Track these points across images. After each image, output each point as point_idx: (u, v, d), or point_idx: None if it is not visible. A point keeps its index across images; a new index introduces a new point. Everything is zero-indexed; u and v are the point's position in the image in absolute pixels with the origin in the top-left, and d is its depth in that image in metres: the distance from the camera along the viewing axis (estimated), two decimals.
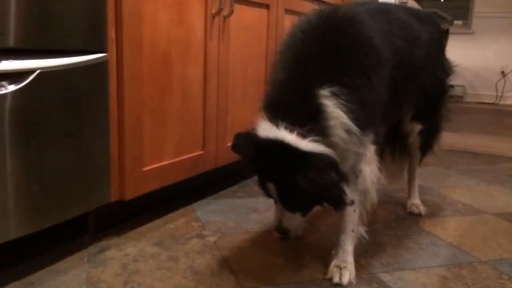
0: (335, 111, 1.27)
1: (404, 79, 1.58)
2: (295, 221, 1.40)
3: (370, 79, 1.34)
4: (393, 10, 1.74)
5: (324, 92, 1.27)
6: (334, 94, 1.27)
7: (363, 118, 1.31)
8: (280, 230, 1.41)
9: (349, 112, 1.27)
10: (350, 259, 1.47)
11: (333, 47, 1.34)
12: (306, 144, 1.24)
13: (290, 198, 1.33)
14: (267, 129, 1.29)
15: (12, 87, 1.22)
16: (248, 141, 1.34)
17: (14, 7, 1.20)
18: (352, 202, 1.46)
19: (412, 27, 1.71)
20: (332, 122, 1.27)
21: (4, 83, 1.21)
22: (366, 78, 1.33)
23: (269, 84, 1.43)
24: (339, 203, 1.34)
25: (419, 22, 1.76)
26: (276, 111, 1.30)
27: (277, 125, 1.27)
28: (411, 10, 1.83)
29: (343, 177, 1.30)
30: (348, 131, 1.28)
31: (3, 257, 1.43)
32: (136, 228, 1.78)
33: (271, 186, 1.33)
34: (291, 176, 1.23)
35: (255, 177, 1.44)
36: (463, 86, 6.96)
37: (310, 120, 1.26)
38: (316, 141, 1.25)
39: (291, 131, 1.25)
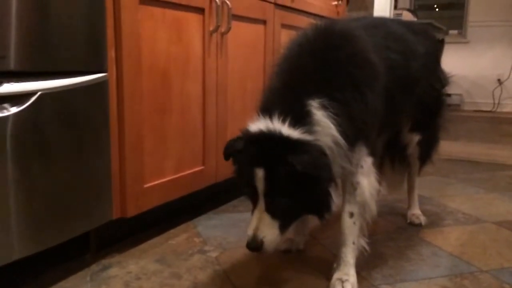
0: (323, 120, 1.29)
1: (400, 91, 1.60)
2: (272, 232, 1.29)
3: (362, 94, 1.36)
4: (388, 24, 1.77)
5: (313, 103, 1.30)
6: (323, 106, 1.29)
7: (352, 133, 1.32)
8: (253, 241, 1.28)
9: (337, 125, 1.29)
10: (352, 271, 1.47)
11: (327, 61, 1.37)
12: (298, 134, 1.27)
13: (277, 188, 1.27)
14: (258, 123, 1.32)
15: (14, 109, 1.24)
16: (238, 137, 1.36)
17: (14, 30, 1.22)
18: (352, 215, 1.47)
19: (407, 40, 1.73)
20: (319, 128, 1.29)
21: (6, 105, 1.22)
22: (359, 92, 1.35)
23: (263, 92, 1.46)
24: (325, 206, 1.32)
25: (413, 35, 1.79)
26: (268, 111, 1.32)
27: (269, 118, 1.30)
28: (405, 24, 1.85)
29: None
30: (335, 142, 1.30)
31: (5, 278, 1.43)
32: (137, 245, 1.78)
33: (258, 175, 1.27)
34: (283, 159, 1.24)
35: None
36: (460, 94, 7.00)
37: (299, 122, 1.28)
38: (306, 132, 1.28)
39: (283, 121, 1.28)
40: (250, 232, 1.30)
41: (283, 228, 1.31)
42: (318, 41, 1.42)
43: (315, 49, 1.40)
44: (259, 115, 1.35)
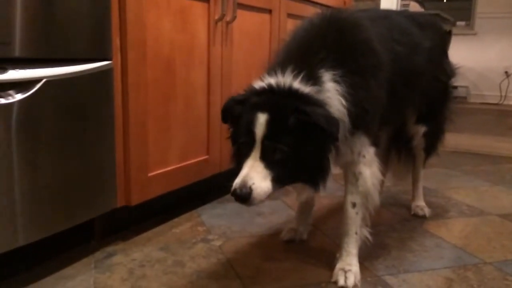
0: (332, 90, 1.28)
1: (404, 84, 1.58)
2: (264, 182, 1.20)
3: (366, 80, 1.35)
4: (394, 17, 1.75)
5: (325, 73, 1.29)
6: (333, 79, 1.28)
7: (353, 118, 1.30)
8: (241, 187, 1.17)
9: (344, 101, 1.28)
10: (354, 261, 1.48)
11: (333, 44, 1.34)
12: (310, 90, 1.25)
13: (279, 134, 1.21)
14: (265, 79, 1.30)
15: (19, 96, 1.24)
16: (240, 94, 1.33)
17: (19, 17, 1.22)
18: (354, 205, 1.47)
19: (412, 34, 1.72)
20: (328, 95, 1.27)
21: (11, 92, 1.23)
22: (363, 79, 1.34)
23: (267, 65, 1.42)
24: (321, 173, 1.26)
25: (420, 28, 1.78)
26: (277, 69, 1.30)
27: (279, 73, 1.28)
28: (411, 16, 1.83)
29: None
30: (340, 117, 1.28)
31: (10, 264, 1.45)
32: (142, 233, 1.79)
33: (260, 119, 1.21)
34: (294, 105, 1.21)
35: None
36: (466, 87, 6.95)
37: (311, 82, 1.26)
38: (318, 93, 1.26)
39: (294, 77, 1.26)
40: (238, 179, 1.20)
41: (275, 183, 1.21)
42: (325, 27, 1.40)
43: (322, 33, 1.38)
44: (265, 75, 1.32)
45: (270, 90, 1.27)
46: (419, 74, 1.72)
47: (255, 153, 1.22)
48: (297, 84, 1.25)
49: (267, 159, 1.21)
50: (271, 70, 1.32)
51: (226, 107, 1.35)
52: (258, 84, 1.29)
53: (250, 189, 1.18)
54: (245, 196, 1.17)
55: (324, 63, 1.30)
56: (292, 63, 1.29)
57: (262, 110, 1.22)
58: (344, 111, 1.28)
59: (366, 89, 1.34)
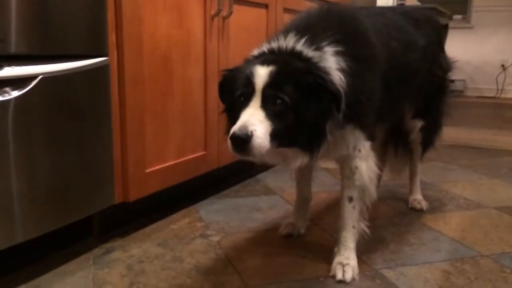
0: (333, 65, 1.26)
1: (399, 80, 1.58)
2: (265, 130, 1.14)
3: (361, 70, 1.34)
4: (389, 14, 1.74)
5: (328, 46, 1.28)
6: (336, 53, 1.28)
7: (348, 102, 1.28)
8: (242, 130, 1.11)
9: (343, 76, 1.26)
10: (352, 255, 1.48)
11: (334, 30, 1.33)
12: (313, 53, 1.25)
13: (282, 84, 1.18)
14: (264, 45, 1.29)
15: (15, 93, 1.24)
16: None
17: (14, 13, 1.22)
18: (351, 199, 1.47)
19: (407, 32, 1.72)
20: (329, 65, 1.26)
21: (7, 89, 1.22)
22: (358, 67, 1.33)
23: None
24: (317, 139, 1.23)
25: (415, 25, 1.78)
26: (279, 35, 1.29)
27: (281, 38, 1.28)
28: (408, 13, 1.82)
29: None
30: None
31: (9, 261, 1.45)
32: (140, 229, 1.79)
33: (262, 71, 1.19)
34: (300, 62, 1.21)
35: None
36: (463, 80, 6.95)
37: (314, 47, 1.26)
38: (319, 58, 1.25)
39: (298, 40, 1.26)
40: (237, 124, 1.13)
41: (273, 139, 1.16)
42: (324, 16, 1.40)
43: (322, 20, 1.38)
44: (264, 43, 1.31)
45: (270, 52, 1.26)
46: (414, 72, 1.73)
47: (255, 102, 1.18)
48: (300, 47, 1.24)
49: (268, 109, 1.17)
50: (271, 38, 1.31)
51: (223, 77, 1.33)
52: (257, 50, 1.28)
53: (251, 134, 1.11)
54: (245, 139, 1.10)
55: (326, 39, 1.29)
56: (294, 31, 1.29)
57: (263, 64, 1.21)
58: (343, 85, 1.26)
59: (360, 78, 1.33)
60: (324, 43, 1.29)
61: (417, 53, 1.72)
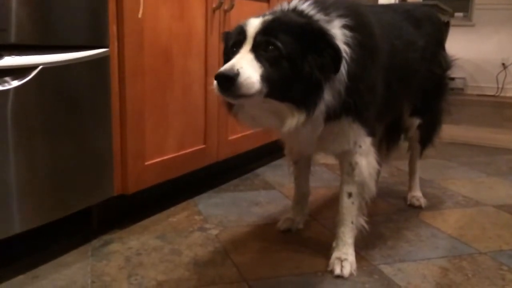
0: (340, 32, 1.24)
1: (399, 79, 1.57)
2: (253, 71, 1.10)
3: (364, 57, 1.31)
4: (391, 13, 1.73)
5: (336, 18, 1.26)
6: (343, 26, 1.25)
7: (348, 90, 1.26)
8: (227, 69, 1.07)
9: (348, 49, 1.24)
10: (350, 251, 1.49)
11: (342, 12, 1.30)
12: (318, 15, 1.24)
13: (277, 30, 1.15)
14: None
15: (15, 83, 1.23)
16: None
17: (15, 3, 1.21)
18: (350, 195, 1.47)
19: (408, 31, 1.71)
20: (334, 31, 1.23)
21: (7, 78, 1.22)
22: (362, 55, 1.30)
23: None
24: (313, 96, 1.17)
25: (416, 25, 1.76)
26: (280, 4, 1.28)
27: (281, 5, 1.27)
28: (408, 12, 1.81)
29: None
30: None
31: (8, 251, 1.45)
32: (138, 221, 1.79)
33: (255, 22, 1.17)
34: (300, 14, 1.20)
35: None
36: (463, 78, 6.95)
37: (321, 12, 1.25)
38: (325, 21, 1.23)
39: (304, 2, 1.25)
40: (227, 66, 1.10)
41: (264, 82, 1.11)
42: (331, 2, 1.38)
43: (330, 2, 1.35)
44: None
45: (271, 13, 1.24)
46: (413, 71, 1.72)
47: (246, 47, 1.15)
48: (304, 7, 1.23)
49: (259, 54, 1.13)
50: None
51: (224, 36, 1.32)
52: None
53: (238, 71, 1.08)
54: (231, 76, 1.06)
55: (336, 12, 1.27)
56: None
57: (262, 16, 1.19)
58: (346, 58, 1.22)
59: (363, 67, 1.30)
60: (333, 14, 1.26)
61: (416, 53, 1.71)
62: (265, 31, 1.15)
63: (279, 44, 1.14)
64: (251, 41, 1.15)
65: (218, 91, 1.10)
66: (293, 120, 1.19)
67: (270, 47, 1.14)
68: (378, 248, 1.63)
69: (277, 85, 1.14)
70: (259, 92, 1.12)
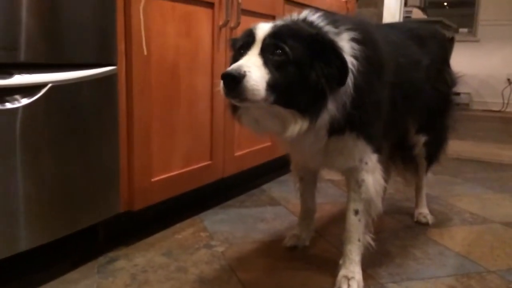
0: (348, 45, 1.25)
1: (404, 97, 1.57)
2: (260, 74, 1.11)
3: (370, 72, 1.31)
4: (396, 32, 1.74)
5: (345, 31, 1.26)
6: (351, 39, 1.26)
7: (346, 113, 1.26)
8: (234, 69, 1.08)
9: (355, 61, 1.24)
10: (357, 269, 1.47)
11: (350, 26, 1.31)
12: (328, 27, 1.25)
13: (286, 36, 1.16)
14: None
15: (24, 101, 1.24)
16: None
17: (25, 22, 1.23)
18: (357, 212, 1.46)
19: (413, 50, 1.72)
20: (343, 44, 1.23)
21: (17, 96, 1.23)
22: (368, 69, 1.30)
23: None
24: (317, 104, 1.17)
25: (421, 44, 1.77)
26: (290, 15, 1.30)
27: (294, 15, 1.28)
28: (413, 32, 1.81)
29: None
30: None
31: (14, 269, 1.45)
32: (144, 238, 1.79)
33: (265, 27, 1.19)
34: (307, 28, 1.19)
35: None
36: (469, 93, 6.95)
37: (329, 25, 1.26)
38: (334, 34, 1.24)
39: (313, 14, 1.26)
40: (234, 65, 1.10)
41: (269, 89, 1.12)
42: (340, 15, 1.40)
43: (339, 16, 1.37)
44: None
45: (282, 21, 1.25)
46: (419, 90, 1.71)
47: (254, 50, 1.15)
48: (314, 18, 1.24)
49: (266, 58, 1.14)
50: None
51: (231, 41, 1.34)
52: None
53: (244, 73, 1.07)
54: (237, 77, 1.06)
55: (345, 25, 1.28)
56: (312, 11, 1.30)
57: (269, 24, 1.20)
58: (354, 70, 1.23)
59: (369, 81, 1.30)
60: (342, 27, 1.27)
61: (421, 72, 1.72)
62: (275, 35, 1.16)
63: (287, 48, 1.14)
64: (259, 44, 1.16)
65: (224, 93, 1.10)
66: (296, 126, 1.20)
67: (278, 51, 1.15)
68: (385, 266, 1.61)
69: (283, 91, 1.15)
70: (264, 99, 1.13)
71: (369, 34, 1.37)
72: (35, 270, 1.49)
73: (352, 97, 1.25)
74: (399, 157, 2.05)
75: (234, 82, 1.07)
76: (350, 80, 1.22)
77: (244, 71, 1.08)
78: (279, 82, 1.13)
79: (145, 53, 1.59)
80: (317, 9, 1.32)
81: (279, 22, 1.23)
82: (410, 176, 2.10)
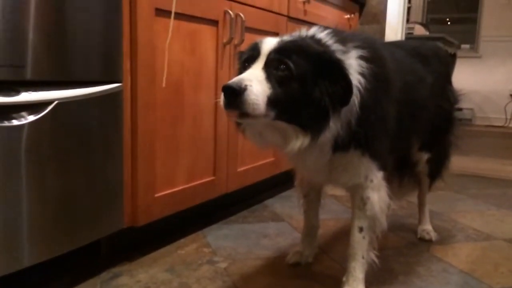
0: (355, 62, 1.25)
1: (409, 115, 1.58)
2: (262, 88, 1.10)
3: (377, 89, 1.32)
4: (400, 50, 1.75)
5: (353, 49, 1.27)
6: (359, 57, 1.27)
7: (360, 120, 1.27)
8: (235, 83, 1.08)
9: (363, 79, 1.25)
10: (361, 286, 1.47)
11: (358, 44, 1.32)
12: (336, 45, 1.25)
13: (291, 52, 1.16)
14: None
15: (31, 118, 1.26)
16: None
17: (31, 40, 1.25)
18: (361, 229, 1.46)
19: (417, 68, 1.73)
20: (349, 62, 1.24)
21: (23, 113, 1.25)
22: (375, 86, 1.31)
23: None
24: (320, 120, 1.17)
25: (424, 62, 1.79)
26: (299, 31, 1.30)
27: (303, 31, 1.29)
28: (416, 50, 1.84)
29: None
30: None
31: (17, 285, 1.45)
32: (147, 254, 1.79)
33: (272, 41, 1.19)
34: (314, 46, 1.19)
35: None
36: (471, 109, 6.97)
37: (337, 42, 1.26)
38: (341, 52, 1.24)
39: (321, 32, 1.26)
40: (235, 79, 1.09)
41: (270, 104, 1.11)
42: (347, 32, 1.40)
43: (347, 33, 1.38)
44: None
45: (289, 36, 1.25)
46: (423, 107, 1.72)
47: (258, 64, 1.15)
48: (322, 35, 1.25)
49: (269, 72, 1.13)
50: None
51: (238, 54, 1.35)
52: None
53: (245, 87, 1.07)
54: (237, 90, 1.06)
55: (353, 43, 1.29)
56: (320, 28, 1.31)
57: (275, 38, 1.20)
58: (360, 88, 1.23)
59: (376, 98, 1.31)
60: (350, 44, 1.28)
61: (426, 90, 1.73)
62: (280, 50, 1.16)
63: (291, 64, 1.14)
64: (264, 58, 1.16)
65: (224, 105, 1.10)
66: (297, 142, 1.19)
67: (282, 66, 1.14)
68: (389, 283, 1.61)
69: (284, 107, 1.15)
70: (264, 115, 1.13)
71: (377, 51, 1.39)
72: (37, 285, 1.49)
73: (358, 115, 1.26)
74: (396, 174, 2.04)
75: (234, 95, 1.07)
76: (356, 99, 1.23)
77: (245, 85, 1.08)
78: (280, 98, 1.13)
79: (164, 85, 1.61)
80: (325, 27, 1.33)
81: (286, 37, 1.24)
82: (402, 195, 2.09)
